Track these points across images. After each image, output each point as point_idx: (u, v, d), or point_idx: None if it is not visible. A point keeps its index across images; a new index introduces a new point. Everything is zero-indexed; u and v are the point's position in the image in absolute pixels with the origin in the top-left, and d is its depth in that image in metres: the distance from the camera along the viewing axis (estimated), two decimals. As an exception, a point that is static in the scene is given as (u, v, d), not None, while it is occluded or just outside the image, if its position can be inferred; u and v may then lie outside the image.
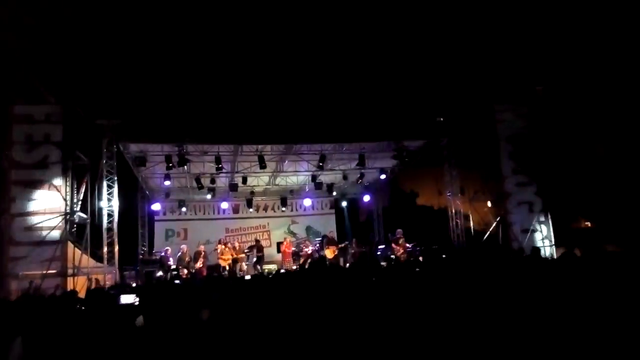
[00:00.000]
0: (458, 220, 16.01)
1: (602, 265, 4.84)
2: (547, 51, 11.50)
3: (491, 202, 15.78)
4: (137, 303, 6.71)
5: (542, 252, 13.29)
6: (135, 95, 11.72)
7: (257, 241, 17.31)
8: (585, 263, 5.30)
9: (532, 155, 15.04)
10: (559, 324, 3.15)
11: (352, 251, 16.26)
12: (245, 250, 16.60)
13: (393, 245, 15.96)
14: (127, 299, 9.32)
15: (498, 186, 15.40)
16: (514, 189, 15.06)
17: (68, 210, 12.64)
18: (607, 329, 2.96)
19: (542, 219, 15.05)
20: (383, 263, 14.11)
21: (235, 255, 15.77)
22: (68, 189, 12.76)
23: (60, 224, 12.46)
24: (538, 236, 14.91)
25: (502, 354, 2.91)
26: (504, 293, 3.91)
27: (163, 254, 15.39)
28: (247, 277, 12.07)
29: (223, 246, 15.97)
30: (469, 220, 16.22)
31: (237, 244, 16.57)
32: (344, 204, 20.47)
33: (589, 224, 18.31)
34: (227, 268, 15.28)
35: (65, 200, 12.63)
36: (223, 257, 15.65)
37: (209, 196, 17.38)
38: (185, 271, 14.81)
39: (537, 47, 11.42)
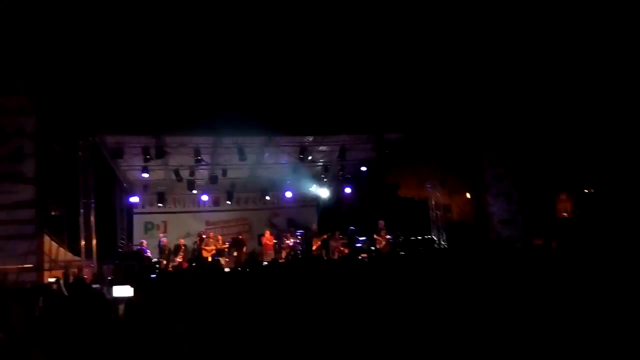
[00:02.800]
0: (438, 212, 16.16)
1: (577, 256, 4.94)
2: (528, 44, 11.58)
3: (470, 194, 15.96)
4: (131, 295, 6.60)
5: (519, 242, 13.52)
6: (112, 86, 11.48)
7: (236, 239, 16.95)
8: (560, 254, 5.40)
9: (508, 147, 15.24)
10: (534, 312, 3.18)
11: (335, 243, 16.27)
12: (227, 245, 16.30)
13: (375, 236, 16.10)
14: (120, 290, 9.04)
15: (477, 178, 15.59)
16: (492, 181, 15.28)
17: (43, 203, 12.42)
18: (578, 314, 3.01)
19: (520, 210, 15.29)
20: (364, 255, 14.23)
21: (219, 247, 15.63)
22: (43, 181, 12.53)
23: (35, 217, 12.24)
24: (516, 227, 15.14)
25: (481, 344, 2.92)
26: (484, 283, 3.95)
27: (139, 247, 15.16)
28: (227, 269, 11.97)
29: (206, 237, 15.82)
30: (449, 211, 16.39)
31: (219, 237, 16.37)
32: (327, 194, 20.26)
33: (565, 214, 18.58)
34: (210, 259, 15.09)
35: (40, 193, 12.41)
36: (207, 247, 15.46)
37: (192, 191, 17.13)
38: (165, 262, 14.60)
39: (519, 40, 11.46)
